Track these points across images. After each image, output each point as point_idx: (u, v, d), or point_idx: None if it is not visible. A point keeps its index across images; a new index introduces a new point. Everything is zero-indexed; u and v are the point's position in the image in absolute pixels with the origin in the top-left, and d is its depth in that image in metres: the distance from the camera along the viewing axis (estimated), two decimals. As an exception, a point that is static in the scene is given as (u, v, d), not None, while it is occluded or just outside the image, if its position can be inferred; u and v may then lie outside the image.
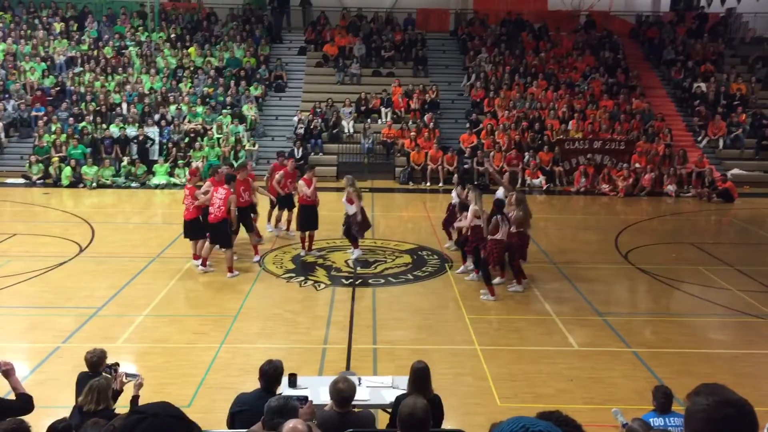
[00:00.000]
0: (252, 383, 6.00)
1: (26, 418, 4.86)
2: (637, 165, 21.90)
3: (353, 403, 5.46)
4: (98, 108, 23.47)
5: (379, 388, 6.69)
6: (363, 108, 24.68)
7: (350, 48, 27.32)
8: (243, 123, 23.53)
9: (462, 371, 8.79)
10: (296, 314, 10.74)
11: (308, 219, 13.61)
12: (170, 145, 22.31)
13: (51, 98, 24.13)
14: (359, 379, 6.65)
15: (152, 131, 22.73)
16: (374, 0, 29.56)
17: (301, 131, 23.36)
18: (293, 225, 14.70)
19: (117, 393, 5.88)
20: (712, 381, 2.48)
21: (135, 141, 22.32)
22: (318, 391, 6.32)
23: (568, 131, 23.31)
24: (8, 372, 5.38)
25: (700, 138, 24.06)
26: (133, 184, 21.08)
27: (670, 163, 21.90)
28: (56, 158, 21.34)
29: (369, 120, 24.02)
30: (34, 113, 23.34)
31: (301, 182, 13.59)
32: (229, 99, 24.37)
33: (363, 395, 6.37)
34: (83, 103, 23.82)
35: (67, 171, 20.76)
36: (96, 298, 11.18)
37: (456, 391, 8.03)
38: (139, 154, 22.10)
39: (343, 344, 9.59)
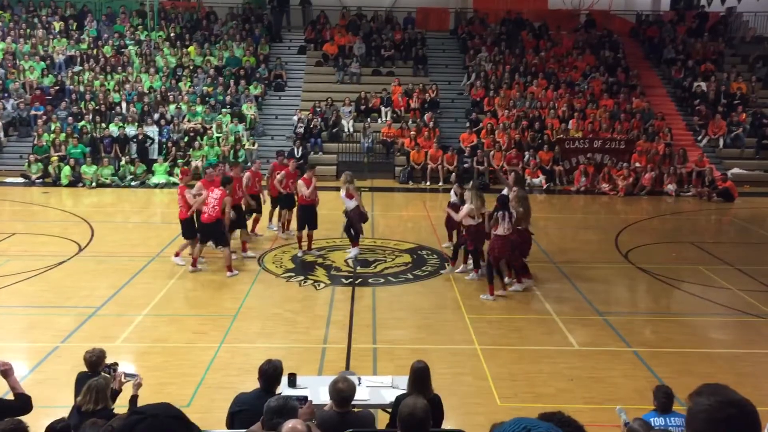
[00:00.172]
0: (251, 383, 5.98)
1: (25, 418, 4.84)
2: (638, 164, 21.89)
3: (353, 402, 5.45)
4: (97, 107, 23.46)
5: (378, 388, 6.67)
6: (363, 107, 24.66)
7: (350, 47, 27.30)
8: (242, 122, 23.52)
9: (462, 371, 8.77)
10: (296, 314, 10.72)
11: (307, 218, 13.59)
12: (170, 144, 22.29)
13: (50, 97, 24.11)
14: (359, 379, 6.63)
15: (152, 130, 22.72)
16: (374, -1, 29.57)
17: (301, 130, 23.34)
18: (293, 224, 14.68)
19: (116, 393, 5.86)
20: (713, 380, 2.46)
21: (134, 140, 22.30)
22: (318, 390, 6.30)
23: (568, 130, 23.30)
24: (7, 372, 5.36)
25: (700, 137, 24.05)
26: (132, 183, 21.07)
27: (671, 163, 21.88)
28: (55, 157, 21.32)
29: (369, 119, 23.99)
30: (33, 112, 23.33)
31: (300, 182, 13.55)
32: (228, 98, 24.36)
33: (363, 395, 6.35)
34: (82, 102, 23.80)
35: (66, 170, 20.74)
36: (95, 297, 11.16)
37: (456, 391, 8.01)
38: (139, 153, 22.08)
39: (342, 344, 9.57)
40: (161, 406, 2.37)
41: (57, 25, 27.19)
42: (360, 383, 6.48)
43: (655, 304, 12.09)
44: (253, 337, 9.77)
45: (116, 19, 28.02)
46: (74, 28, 27.33)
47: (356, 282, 12.28)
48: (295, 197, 14.36)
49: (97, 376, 5.89)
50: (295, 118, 23.94)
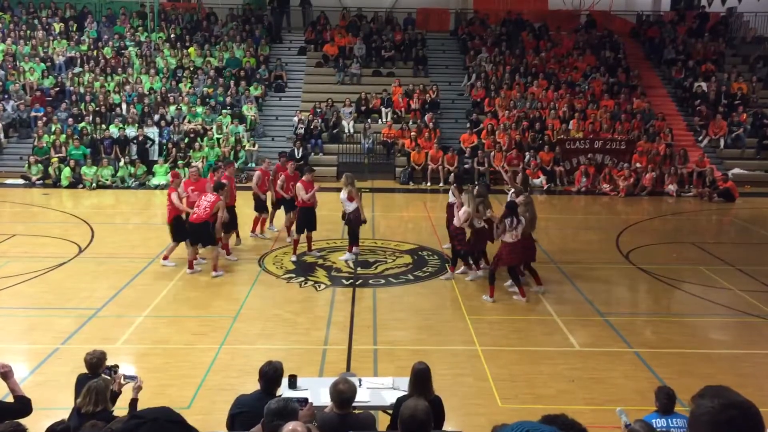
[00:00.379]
0: (252, 385, 5.96)
1: (25, 420, 4.82)
2: (638, 165, 21.88)
3: (354, 404, 5.43)
4: (98, 108, 23.46)
5: (379, 390, 6.65)
6: (363, 108, 24.66)
7: (350, 48, 27.31)
8: (243, 123, 23.52)
9: (463, 372, 8.76)
10: (296, 315, 10.71)
11: (306, 221, 13.52)
12: (170, 145, 22.29)
13: (50, 99, 24.13)
14: (360, 380, 6.61)
15: (152, 131, 22.72)
16: (374, 0, 29.54)
17: (301, 131, 23.34)
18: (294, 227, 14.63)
19: (115, 395, 5.85)
20: (714, 381, 2.45)
21: (134, 141, 22.30)
22: (318, 392, 6.29)
23: (568, 131, 23.29)
24: (6, 374, 5.33)
25: (701, 137, 24.04)
26: (132, 184, 21.06)
27: (671, 163, 21.87)
28: (55, 159, 21.33)
29: (369, 120, 23.99)
30: (33, 114, 23.35)
31: (299, 185, 13.42)
32: (228, 99, 24.36)
33: (363, 396, 6.34)
34: (83, 104, 23.81)
35: (66, 171, 20.74)
36: (95, 299, 11.15)
37: (456, 392, 8.00)
38: (139, 154, 22.08)
39: (343, 345, 9.55)
40: (161, 410, 2.37)
41: (57, 27, 27.21)
42: (361, 385, 6.47)
43: (656, 304, 12.07)
44: (254, 338, 9.75)
45: (116, 21, 28.05)
46: (74, 29, 27.34)
47: (357, 283, 12.27)
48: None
49: (97, 378, 5.87)
50: (296, 119, 23.94)
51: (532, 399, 8.03)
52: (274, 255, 13.93)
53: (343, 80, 26.41)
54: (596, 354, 9.39)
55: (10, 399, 5.43)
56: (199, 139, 22.51)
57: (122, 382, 5.95)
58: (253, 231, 15.17)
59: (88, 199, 19.45)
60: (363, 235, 14.15)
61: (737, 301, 11.69)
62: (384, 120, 24.34)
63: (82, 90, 24.34)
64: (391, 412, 6.06)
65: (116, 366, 6.18)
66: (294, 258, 13.51)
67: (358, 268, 13.10)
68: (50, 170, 21.00)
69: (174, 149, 22.10)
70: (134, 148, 22.27)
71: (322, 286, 12.10)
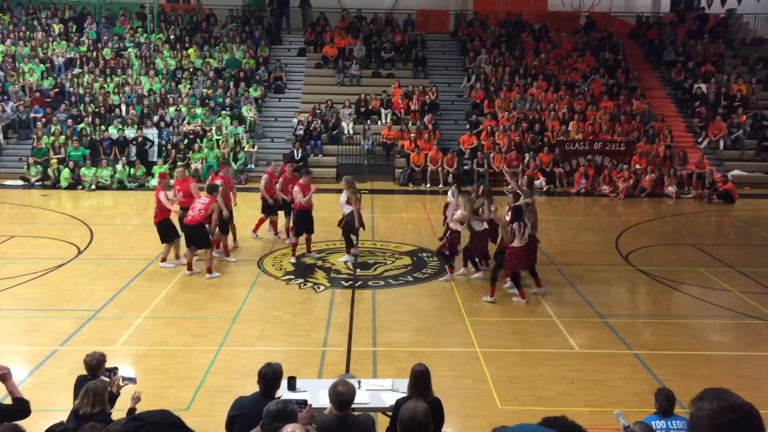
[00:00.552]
0: (251, 386, 5.95)
1: (23, 422, 4.81)
2: (638, 166, 21.88)
3: (353, 406, 5.42)
4: (97, 109, 23.46)
5: (378, 391, 6.64)
6: (363, 109, 24.66)
7: (350, 49, 27.31)
8: (242, 124, 23.52)
9: (462, 374, 8.75)
10: (295, 316, 10.70)
11: (303, 224, 13.47)
12: (169, 146, 22.27)
13: (50, 100, 24.13)
14: (359, 382, 6.60)
15: (151, 133, 22.72)
16: (374, 1, 29.56)
17: (301, 133, 23.33)
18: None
19: (114, 397, 5.83)
20: (714, 383, 2.45)
21: (134, 142, 22.30)
22: (317, 394, 6.28)
23: (568, 132, 23.28)
24: (5, 376, 5.32)
25: (700, 139, 24.04)
26: (131, 186, 21.04)
27: (671, 164, 21.87)
28: (55, 160, 21.32)
29: (369, 121, 23.99)
30: (32, 115, 23.35)
31: (296, 188, 13.35)
32: (228, 100, 24.35)
33: (363, 398, 6.33)
34: (82, 105, 23.79)
35: (65, 173, 20.73)
36: (94, 300, 11.14)
37: (456, 394, 7.99)
38: (138, 155, 22.07)
39: (342, 347, 9.54)
40: (160, 413, 2.36)
41: (56, 28, 27.20)
42: (360, 386, 6.45)
43: (655, 306, 12.06)
44: (253, 340, 9.74)
45: (116, 22, 28.04)
46: (74, 30, 27.34)
47: (356, 285, 12.26)
48: None
49: (96, 379, 5.86)
50: (295, 120, 23.93)
51: (532, 401, 8.02)
52: (273, 256, 13.92)
53: (343, 81, 26.40)
54: (596, 356, 9.39)
55: (8, 401, 5.42)
56: (198, 140, 22.50)
57: (121, 383, 5.94)
58: (255, 231, 15.10)
59: (87, 201, 19.44)
60: (362, 236, 14.14)
61: (737, 302, 11.68)
62: (383, 121, 24.34)
63: (81, 91, 24.34)
64: (390, 414, 6.05)
65: (116, 368, 6.17)
66: (293, 260, 13.49)
67: (358, 270, 13.09)
68: (49, 171, 20.99)
69: (173, 150, 22.09)
70: (133, 149, 22.27)
71: (322, 287, 12.09)
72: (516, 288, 11.45)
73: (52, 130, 22.19)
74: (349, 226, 13.36)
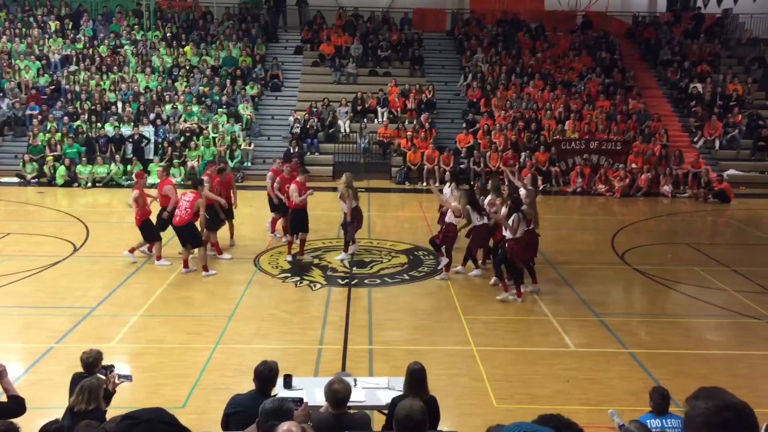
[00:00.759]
0: (247, 384, 5.95)
1: (18, 419, 4.81)
2: (634, 165, 21.91)
3: (348, 404, 5.42)
4: (93, 107, 23.41)
5: (374, 389, 6.64)
6: (359, 108, 24.64)
7: (347, 47, 27.29)
8: (239, 122, 23.48)
9: (458, 372, 8.76)
10: (291, 315, 10.69)
11: (299, 222, 13.41)
12: (165, 144, 22.25)
13: (46, 97, 24.06)
14: (355, 380, 6.60)
15: (147, 130, 22.68)
16: (371, 0, 29.52)
17: (297, 131, 23.31)
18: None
19: (109, 394, 5.82)
20: (709, 382, 2.46)
21: (130, 140, 22.26)
22: (313, 392, 6.28)
23: (564, 131, 23.31)
24: (0, 373, 5.32)
25: (696, 138, 24.09)
26: (127, 183, 20.99)
27: (667, 164, 21.92)
28: (51, 157, 21.28)
29: (365, 120, 23.99)
30: (28, 112, 23.27)
31: (292, 186, 13.31)
32: (224, 98, 24.33)
33: (358, 396, 6.33)
34: (78, 102, 23.74)
35: (61, 170, 20.69)
36: (90, 297, 11.13)
37: (452, 392, 8.00)
38: (135, 153, 22.03)
39: (338, 345, 9.54)
40: (154, 411, 2.36)
41: (53, 25, 27.14)
42: (356, 384, 6.45)
43: (651, 305, 12.08)
44: (249, 338, 9.74)
45: (112, 19, 27.97)
46: (70, 27, 27.27)
47: (352, 283, 12.26)
48: None
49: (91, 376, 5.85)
50: (292, 118, 23.91)
51: (528, 399, 8.04)
52: (269, 254, 13.91)
53: (340, 80, 26.38)
54: (591, 354, 9.40)
55: (3, 398, 5.42)
56: (194, 138, 22.47)
57: (116, 381, 5.93)
58: (273, 231, 15.02)
59: (83, 198, 19.40)
60: (359, 235, 14.11)
61: (732, 301, 11.71)
62: (380, 120, 24.33)
63: (77, 88, 24.28)
64: (386, 412, 6.05)
65: (112, 366, 6.16)
66: (289, 258, 13.48)
67: (354, 268, 13.09)
68: (45, 169, 20.95)
69: (169, 148, 22.06)
70: (130, 146, 22.23)
71: (318, 285, 12.09)
72: (515, 286, 11.42)
73: (48, 128, 22.14)
74: (343, 222, 13.37)
